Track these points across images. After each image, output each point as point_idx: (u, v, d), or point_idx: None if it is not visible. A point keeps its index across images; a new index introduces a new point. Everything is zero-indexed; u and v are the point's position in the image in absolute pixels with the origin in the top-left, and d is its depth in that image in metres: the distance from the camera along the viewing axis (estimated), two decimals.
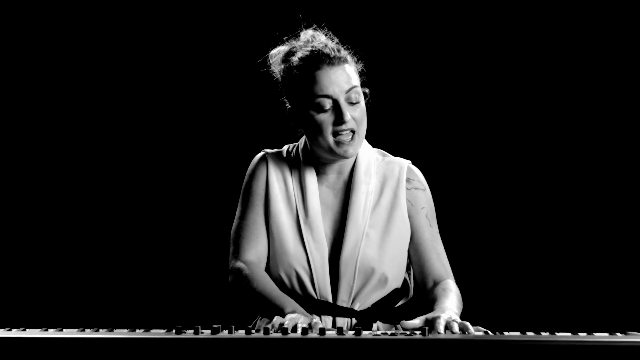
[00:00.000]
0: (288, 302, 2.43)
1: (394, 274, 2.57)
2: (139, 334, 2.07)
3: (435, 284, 2.57)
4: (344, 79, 2.50)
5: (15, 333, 2.08)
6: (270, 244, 2.58)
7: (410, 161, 2.69)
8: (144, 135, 3.88)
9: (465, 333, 2.18)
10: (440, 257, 2.61)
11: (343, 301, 2.53)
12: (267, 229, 2.59)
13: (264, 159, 2.65)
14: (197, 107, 3.87)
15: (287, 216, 2.57)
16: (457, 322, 2.26)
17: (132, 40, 3.86)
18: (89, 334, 2.07)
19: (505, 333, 2.17)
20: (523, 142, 3.78)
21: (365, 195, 2.58)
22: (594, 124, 3.74)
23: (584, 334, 2.16)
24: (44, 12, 3.85)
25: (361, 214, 2.56)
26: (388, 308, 2.59)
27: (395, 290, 2.60)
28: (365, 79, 2.63)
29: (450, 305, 2.42)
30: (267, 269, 2.59)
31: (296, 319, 2.27)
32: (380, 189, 2.61)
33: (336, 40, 2.60)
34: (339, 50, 2.53)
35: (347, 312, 2.53)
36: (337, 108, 2.49)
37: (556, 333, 2.16)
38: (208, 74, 3.86)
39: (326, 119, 2.49)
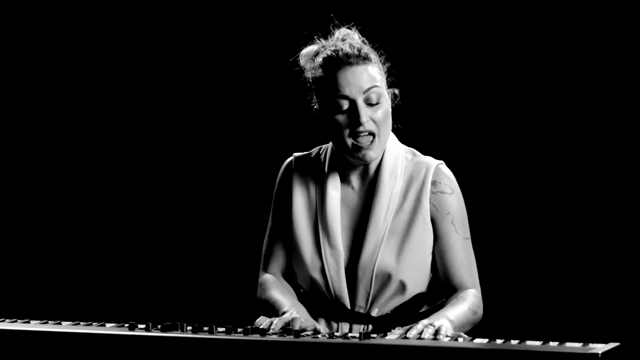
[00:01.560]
0: (285, 304, 2.45)
1: (415, 280, 2.51)
2: (123, 330, 2.16)
3: (456, 292, 2.50)
4: (363, 79, 2.46)
5: (18, 325, 2.23)
6: (291, 252, 2.60)
7: (442, 162, 2.58)
8: (179, 138, 4.00)
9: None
10: (465, 265, 2.52)
11: (360, 307, 2.51)
12: (289, 236, 2.61)
13: (289, 165, 2.65)
14: (235, 107, 3.93)
15: (306, 222, 2.57)
16: (434, 326, 2.19)
17: (158, 43, 3.97)
18: (80, 328, 2.19)
19: (476, 340, 2.10)
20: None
21: (388, 199, 2.52)
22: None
23: (555, 343, 2.05)
24: (44, 12, 3.98)
25: (382, 218, 2.51)
26: (410, 314, 2.53)
27: (419, 295, 2.54)
28: (394, 79, 2.58)
29: (449, 313, 2.35)
30: (292, 277, 2.62)
31: (275, 319, 2.30)
32: (405, 192, 2.54)
33: (362, 39, 2.57)
34: (360, 50, 2.48)
35: (363, 319, 2.52)
36: (354, 109, 2.45)
37: (526, 342, 2.06)
38: (242, 76, 3.91)
39: (343, 120, 2.47)
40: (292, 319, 2.29)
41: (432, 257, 2.54)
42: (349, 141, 2.47)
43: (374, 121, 2.47)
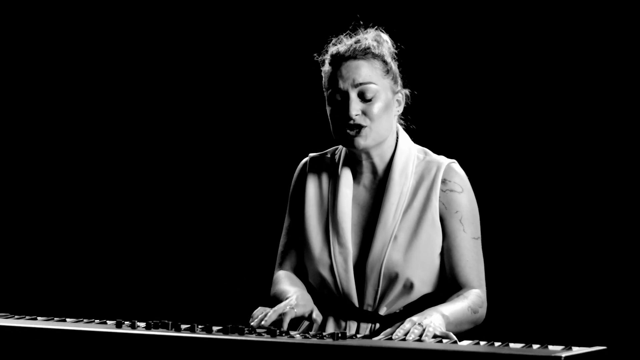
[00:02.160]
0: (290, 291, 2.46)
1: (422, 279, 2.48)
2: (109, 327, 2.20)
3: (460, 290, 2.47)
4: (358, 73, 2.47)
5: (19, 322, 2.30)
6: (303, 250, 2.61)
7: (454, 161, 2.56)
8: (200, 136, 3.99)
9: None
10: (471, 264, 2.48)
11: (369, 305, 2.50)
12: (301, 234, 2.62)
13: (304, 165, 2.67)
14: (253, 107, 3.93)
15: (317, 220, 2.58)
16: (422, 325, 2.18)
17: (174, 43, 3.98)
18: (74, 325, 2.24)
19: (462, 342, 2.07)
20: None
21: (398, 197, 2.51)
22: None
23: (537, 346, 2.01)
24: (44, 12, 4.01)
25: (391, 217, 2.50)
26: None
27: (427, 295, 2.50)
28: (407, 80, 2.58)
29: (444, 309, 2.33)
30: (305, 275, 2.62)
31: (270, 310, 2.32)
32: (415, 190, 2.52)
33: (391, 41, 2.58)
34: (361, 44, 2.50)
35: (371, 317, 2.50)
36: (346, 102, 2.48)
37: (509, 344, 2.03)
38: (261, 76, 3.90)
39: (336, 112, 2.49)
40: (284, 313, 2.30)
41: (441, 256, 2.51)
42: (339, 132, 2.50)
43: (366, 115, 2.47)
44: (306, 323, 2.50)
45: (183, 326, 2.15)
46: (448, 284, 2.50)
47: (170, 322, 2.14)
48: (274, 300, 2.54)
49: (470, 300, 2.41)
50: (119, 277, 4.09)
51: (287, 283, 2.55)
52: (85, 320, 2.36)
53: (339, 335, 2.01)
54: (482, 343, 2.05)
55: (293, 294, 2.44)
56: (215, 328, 2.13)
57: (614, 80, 3.49)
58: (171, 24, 4.04)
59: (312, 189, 2.62)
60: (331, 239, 2.54)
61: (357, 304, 2.51)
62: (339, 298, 2.52)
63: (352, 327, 2.51)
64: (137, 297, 4.03)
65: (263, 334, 2.06)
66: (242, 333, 2.05)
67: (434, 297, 2.50)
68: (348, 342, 1.97)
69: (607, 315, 3.48)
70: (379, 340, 2.09)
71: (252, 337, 2.02)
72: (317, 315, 2.39)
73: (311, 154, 2.69)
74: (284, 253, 2.65)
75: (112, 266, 4.11)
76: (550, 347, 1.99)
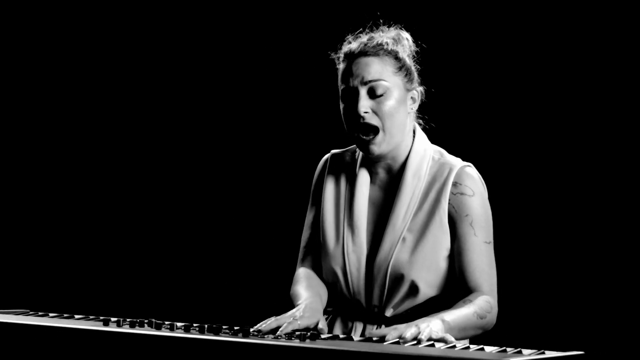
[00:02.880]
0: (301, 297, 2.44)
1: (428, 281, 2.44)
2: (96, 324, 2.25)
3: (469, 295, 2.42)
4: (367, 70, 2.46)
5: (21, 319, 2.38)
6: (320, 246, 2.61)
7: (469, 164, 2.51)
8: (217, 133, 4.00)
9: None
10: (481, 268, 2.42)
11: (375, 306, 2.48)
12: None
13: (325, 161, 2.67)
14: (278, 104, 3.93)
15: (333, 217, 2.57)
16: (418, 327, 2.14)
17: (189, 41, 4.01)
18: (83, 324, 2.30)
19: (437, 345, 2.04)
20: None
21: (409, 198, 2.48)
22: None
23: (512, 349, 1.96)
24: (44, 12, 4.04)
25: (401, 218, 2.47)
26: (424, 316, 2.42)
27: (434, 298, 2.46)
28: (422, 80, 2.55)
29: (445, 315, 2.28)
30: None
31: (276, 318, 2.29)
32: (426, 192, 2.49)
33: (412, 41, 2.57)
34: (371, 42, 2.49)
35: (377, 319, 2.48)
36: (355, 99, 2.46)
37: (484, 348, 1.98)
38: (285, 73, 3.89)
39: (346, 109, 2.48)
40: (287, 323, 2.26)
41: (451, 260, 2.47)
42: (354, 134, 2.47)
43: (377, 114, 2.45)
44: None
45: (177, 325, 2.18)
46: (458, 288, 2.45)
47: (154, 321, 2.17)
48: (291, 300, 2.54)
49: (477, 306, 2.35)
50: (130, 276, 4.17)
51: (303, 286, 2.53)
52: (91, 316, 2.43)
53: (308, 335, 2.00)
54: (458, 346, 2.01)
55: (302, 303, 2.41)
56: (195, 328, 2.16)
57: (635, 86, 3.39)
58: (191, 22, 4.09)
59: (331, 185, 2.61)
60: (345, 237, 2.53)
61: (364, 305, 2.49)
62: (349, 297, 2.51)
63: (358, 327, 2.49)
64: (147, 297, 4.11)
65: (238, 335, 2.07)
66: (217, 333, 2.07)
67: (441, 301, 2.46)
68: (316, 344, 1.97)
69: (608, 319, 3.39)
70: (355, 341, 2.08)
71: (225, 337, 2.03)
72: (323, 326, 2.36)
73: (333, 151, 2.68)
74: (305, 249, 2.64)
75: (124, 264, 4.18)
76: (524, 351, 1.94)
